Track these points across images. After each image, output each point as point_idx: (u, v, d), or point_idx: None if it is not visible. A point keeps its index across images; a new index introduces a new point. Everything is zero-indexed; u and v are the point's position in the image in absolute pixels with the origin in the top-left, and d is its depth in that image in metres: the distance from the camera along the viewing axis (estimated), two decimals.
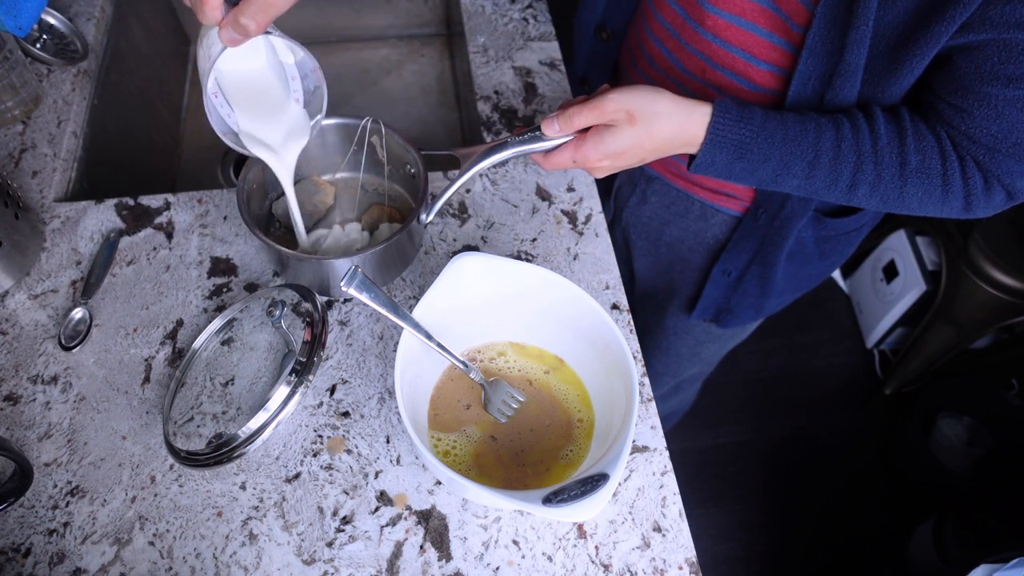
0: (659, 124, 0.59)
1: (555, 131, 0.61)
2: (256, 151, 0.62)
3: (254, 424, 0.55)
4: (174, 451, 0.58)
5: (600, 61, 0.84)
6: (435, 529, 0.60)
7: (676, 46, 0.70)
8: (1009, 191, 0.60)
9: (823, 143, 0.59)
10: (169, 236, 0.75)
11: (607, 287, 0.74)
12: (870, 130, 0.59)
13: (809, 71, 0.60)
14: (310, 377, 0.57)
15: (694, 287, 0.93)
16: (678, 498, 0.63)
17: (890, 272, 1.78)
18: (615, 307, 0.73)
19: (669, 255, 0.91)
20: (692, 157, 0.62)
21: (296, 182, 0.76)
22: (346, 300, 0.72)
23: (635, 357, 0.69)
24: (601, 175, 0.64)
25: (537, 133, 0.65)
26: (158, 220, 0.77)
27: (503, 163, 0.81)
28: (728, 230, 0.83)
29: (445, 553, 0.59)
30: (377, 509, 0.61)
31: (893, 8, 0.53)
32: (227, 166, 1.09)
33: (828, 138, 0.59)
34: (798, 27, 0.59)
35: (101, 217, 0.76)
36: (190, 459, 0.57)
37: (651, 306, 1.02)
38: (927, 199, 0.61)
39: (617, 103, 0.58)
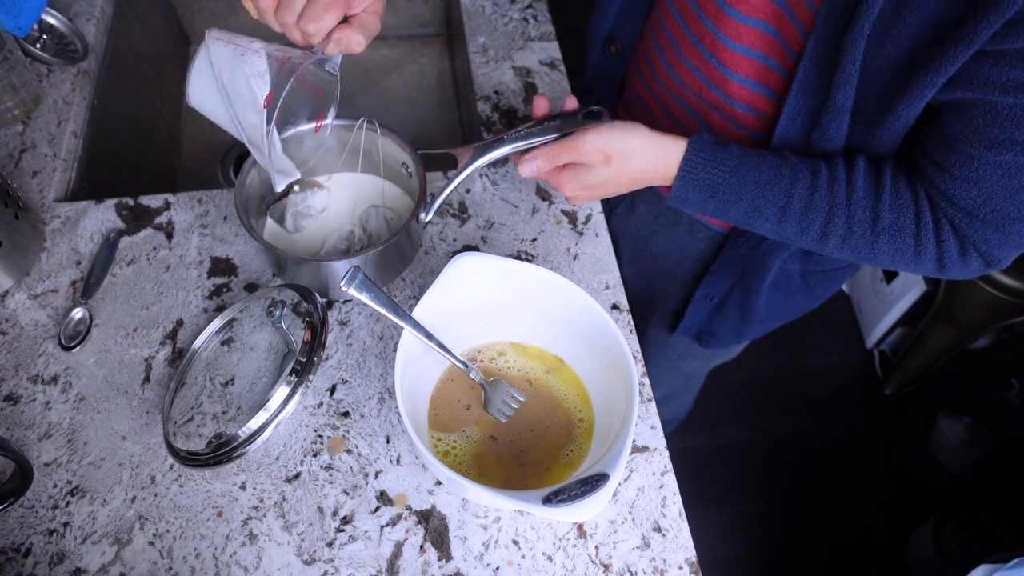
0: (634, 162, 0.61)
1: (533, 171, 0.64)
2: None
3: (254, 424, 0.55)
4: (174, 451, 0.58)
5: (607, 76, 0.83)
6: (435, 529, 0.60)
7: (676, 60, 0.69)
8: (986, 259, 0.59)
9: (796, 190, 0.60)
10: (169, 236, 0.75)
11: (607, 287, 0.74)
12: (847, 181, 0.59)
13: (798, 105, 0.59)
14: (310, 377, 0.57)
15: (676, 303, 0.92)
16: (678, 498, 0.63)
17: (890, 272, 1.78)
18: (615, 307, 0.73)
19: (654, 267, 0.91)
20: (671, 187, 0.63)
21: (293, 184, 0.76)
22: (346, 300, 0.72)
23: (635, 357, 0.69)
24: (577, 203, 0.67)
25: (534, 129, 0.65)
26: (158, 220, 0.77)
27: (503, 161, 0.82)
28: (714, 247, 0.82)
29: (445, 553, 0.59)
30: (377, 509, 0.61)
31: (881, 52, 0.52)
32: (227, 166, 1.09)
33: (802, 185, 0.59)
34: (794, 55, 0.59)
35: (101, 217, 0.76)
36: (190, 459, 0.57)
37: (633, 317, 1.02)
38: (899, 257, 0.60)
39: (592, 144, 0.60)
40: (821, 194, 0.59)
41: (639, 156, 0.61)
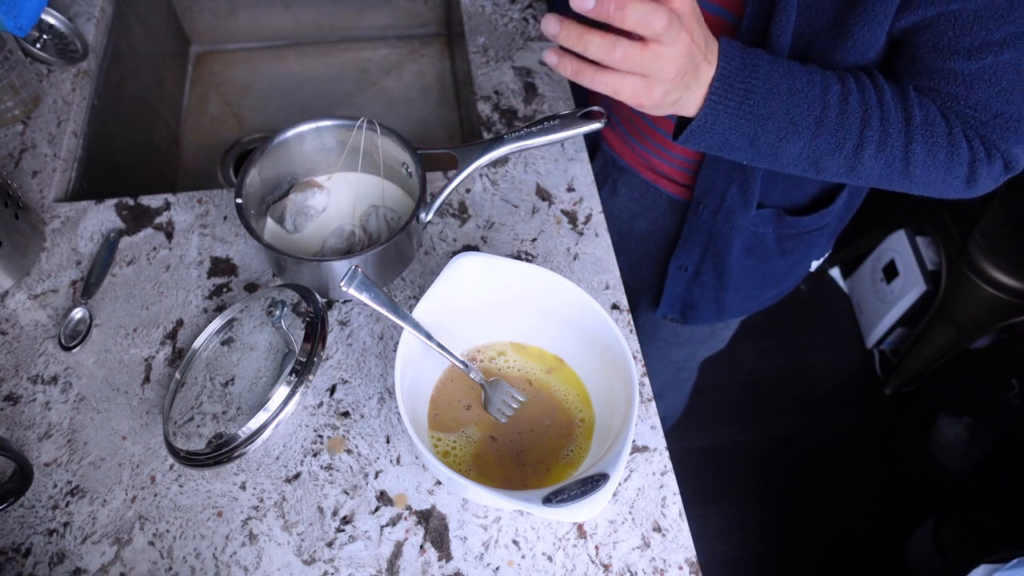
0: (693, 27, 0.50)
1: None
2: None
3: (254, 424, 0.55)
4: (174, 451, 0.58)
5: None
6: (435, 529, 0.60)
7: None
8: (1006, 159, 0.57)
9: (830, 97, 0.55)
10: (169, 236, 0.75)
11: (607, 287, 0.74)
12: (874, 85, 0.56)
13: (752, 26, 0.58)
14: (310, 377, 0.57)
15: (660, 283, 0.93)
16: (678, 498, 0.63)
17: (890, 272, 1.78)
18: (615, 307, 0.73)
19: (639, 250, 0.92)
20: (679, 129, 0.57)
21: (292, 185, 0.76)
22: (346, 300, 0.72)
23: (635, 357, 0.69)
24: (676, 44, 0.48)
25: (534, 129, 0.65)
26: (158, 220, 0.77)
27: (503, 161, 0.82)
28: (678, 219, 0.83)
29: (445, 553, 0.59)
30: (377, 509, 0.61)
31: None
32: (227, 166, 1.09)
33: (835, 92, 0.55)
34: None
35: (101, 217, 0.76)
36: (190, 459, 0.57)
37: None
38: (932, 161, 0.56)
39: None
40: (855, 97, 0.55)
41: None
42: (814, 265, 0.91)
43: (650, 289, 0.95)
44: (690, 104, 0.53)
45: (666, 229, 0.86)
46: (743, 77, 0.53)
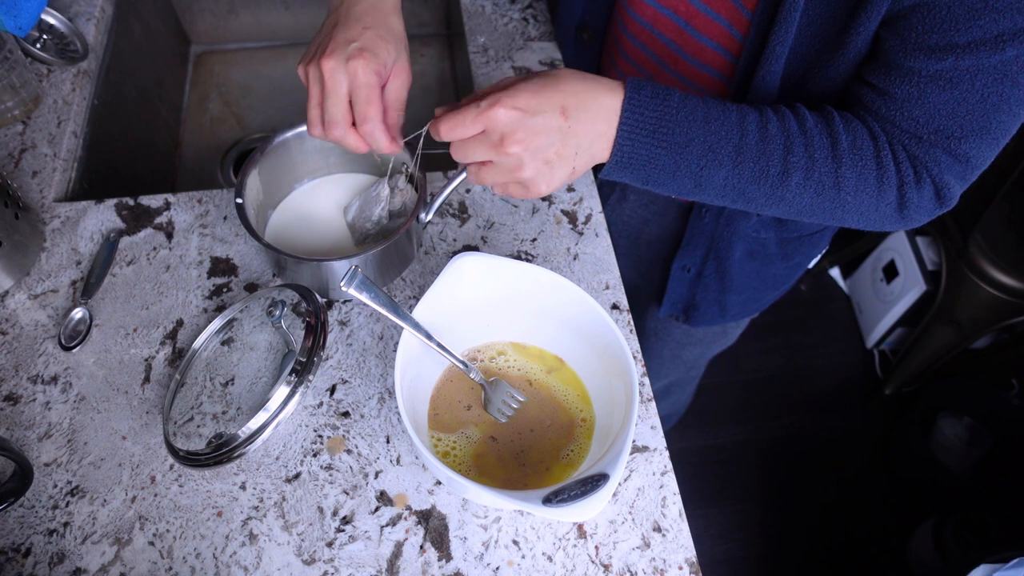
0: (563, 79, 0.53)
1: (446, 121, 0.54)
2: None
3: (254, 424, 0.55)
4: (174, 451, 0.58)
5: (584, 63, 0.84)
6: (435, 529, 0.60)
7: (650, 38, 0.70)
8: (937, 185, 0.56)
9: (748, 124, 0.55)
10: (169, 236, 0.75)
11: (607, 287, 0.74)
12: (793, 114, 0.56)
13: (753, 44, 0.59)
14: (310, 377, 0.57)
15: (665, 284, 0.93)
16: (678, 498, 0.63)
17: (890, 272, 1.78)
18: (615, 307, 0.73)
19: (649, 255, 0.92)
20: (599, 167, 0.58)
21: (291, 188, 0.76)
22: (346, 300, 0.72)
23: (635, 357, 0.69)
24: (513, 147, 0.52)
25: None
26: (158, 220, 0.77)
27: None
28: (683, 221, 0.83)
29: (445, 553, 0.59)
30: (377, 509, 0.61)
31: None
32: (227, 166, 1.09)
33: (752, 120, 0.55)
34: (748, 13, 0.59)
35: (101, 217, 0.76)
36: (190, 459, 0.57)
37: (632, 307, 1.03)
38: (863, 186, 0.56)
39: (515, 74, 0.56)
40: (774, 125, 0.55)
41: (565, 73, 0.53)
42: (812, 262, 0.91)
43: (660, 292, 0.95)
44: (597, 155, 0.55)
45: (675, 232, 0.86)
46: (654, 106, 0.53)
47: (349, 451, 0.63)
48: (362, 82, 0.56)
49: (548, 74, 0.53)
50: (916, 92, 0.53)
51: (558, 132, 0.53)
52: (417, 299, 0.72)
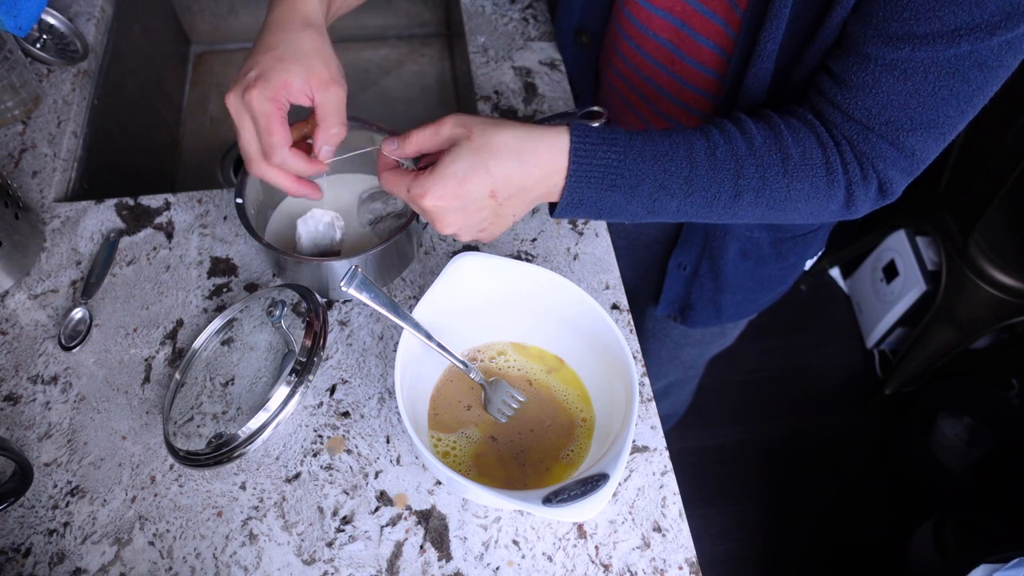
0: (501, 134, 0.53)
1: (391, 148, 0.58)
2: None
3: (254, 424, 0.55)
4: (174, 451, 0.58)
5: (582, 66, 0.84)
6: (435, 529, 0.60)
7: (646, 40, 0.70)
8: (881, 179, 0.57)
9: (696, 154, 0.55)
10: (169, 236, 0.75)
11: (607, 287, 0.74)
12: (741, 132, 0.56)
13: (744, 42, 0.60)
14: (310, 377, 0.57)
15: (662, 282, 0.94)
16: (678, 498, 0.63)
17: (890, 272, 1.78)
18: (615, 307, 0.73)
19: (647, 255, 0.92)
20: (553, 206, 0.57)
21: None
22: (346, 300, 0.72)
23: (635, 357, 0.69)
24: (448, 228, 0.55)
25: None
26: (158, 220, 0.77)
27: None
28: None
29: (445, 553, 0.59)
30: (377, 509, 0.61)
31: None
32: (227, 166, 1.09)
33: (700, 147, 0.55)
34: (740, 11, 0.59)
35: (101, 217, 0.76)
36: (190, 459, 0.57)
37: (631, 308, 1.03)
38: (814, 193, 0.57)
39: (455, 120, 0.55)
40: (722, 149, 0.55)
41: (505, 128, 0.53)
42: (808, 263, 0.91)
43: (657, 292, 0.95)
44: (549, 194, 0.56)
45: (672, 232, 0.86)
46: (601, 153, 0.53)
47: (349, 451, 0.63)
48: (257, 112, 0.54)
49: (480, 151, 0.52)
50: (871, 80, 0.53)
51: (490, 210, 0.54)
52: (417, 299, 0.72)
